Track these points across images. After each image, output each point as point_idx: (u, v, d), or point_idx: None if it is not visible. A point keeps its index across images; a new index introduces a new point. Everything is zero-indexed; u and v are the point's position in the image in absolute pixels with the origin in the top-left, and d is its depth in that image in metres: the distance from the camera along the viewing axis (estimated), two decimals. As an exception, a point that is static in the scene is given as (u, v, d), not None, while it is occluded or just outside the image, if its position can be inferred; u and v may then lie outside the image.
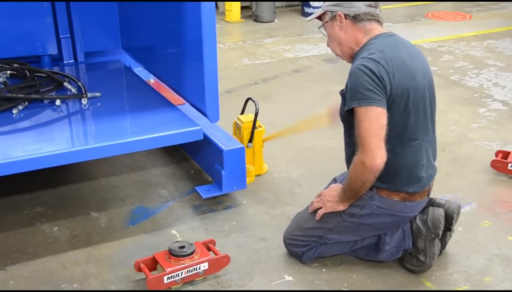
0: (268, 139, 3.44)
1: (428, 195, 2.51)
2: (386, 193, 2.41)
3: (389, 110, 2.27)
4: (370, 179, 2.29)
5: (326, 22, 2.48)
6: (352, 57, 2.47)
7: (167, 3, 2.98)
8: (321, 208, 2.51)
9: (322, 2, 2.53)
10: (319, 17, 2.53)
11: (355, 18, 2.40)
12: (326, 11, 2.47)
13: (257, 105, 3.23)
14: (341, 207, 2.46)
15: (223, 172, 2.94)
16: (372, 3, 2.41)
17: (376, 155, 2.23)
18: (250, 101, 3.32)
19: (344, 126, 2.51)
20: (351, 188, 2.37)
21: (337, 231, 2.52)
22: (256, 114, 3.23)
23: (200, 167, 3.41)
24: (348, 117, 2.36)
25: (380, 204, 2.42)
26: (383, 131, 2.24)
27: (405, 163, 2.37)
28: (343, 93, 2.42)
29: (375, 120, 2.23)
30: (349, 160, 2.48)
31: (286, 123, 4.14)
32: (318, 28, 2.57)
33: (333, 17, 2.44)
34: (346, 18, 2.41)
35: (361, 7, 2.39)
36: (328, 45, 2.56)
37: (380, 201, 2.42)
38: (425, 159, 2.42)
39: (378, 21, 2.43)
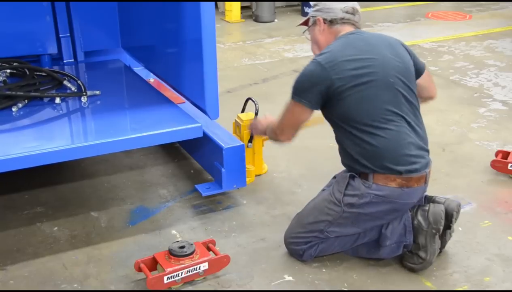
0: (267, 139, 3.44)
1: (425, 182, 2.51)
2: (383, 180, 2.43)
3: (344, 101, 2.41)
4: (277, 141, 2.76)
5: (309, 26, 2.68)
6: None
7: (166, 3, 2.98)
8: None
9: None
10: (307, 23, 2.71)
11: (331, 22, 2.58)
12: (310, 16, 2.67)
13: (257, 105, 3.23)
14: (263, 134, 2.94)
15: (223, 170, 2.94)
16: (350, 9, 2.58)
17: (286, 138, 2.66)
18: (250, 101, 3.32)
19: (333, 130, 2.60)
20: (268, 133, 2.80)
21: (338, 224, 2.53)
22: (256, 114, 3.23)
23: (200, 165, 3.41)
24: (330, 118, 2.54)
25: (377, 192, 2.44)
26: (298, 125, 2.57)
27: (386, 143, 2.41)
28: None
29: (297, 117, 2.53)
30: (343, 161, 2.58)
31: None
32: (303, 32, 2.74)
33: (314, 22, 2.63)
34: (324, 22, 2.59)
35: (338, 13, 2.58)
36: (311, 49, 2.71)
37: (377, 190, 2.44)
38: (409, 138, 2.44)
39: (353, 24, 2.59)
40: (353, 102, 2.41)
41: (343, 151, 2.56)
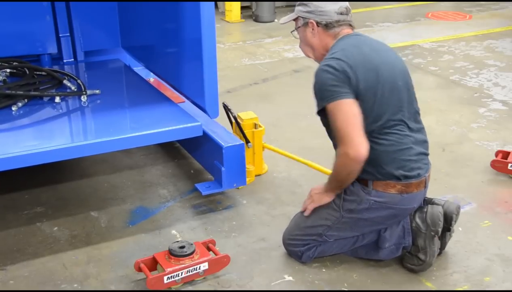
0: (269, 148, 3.44)
1: (425, 186, 2.50)
2: (382, 187, 2.42)
3: (359, 103, 2.33)
4: (356, 169, 2.34)
5: (299, 27, 2.59)
6: None
7: (166, 3, 2.98)
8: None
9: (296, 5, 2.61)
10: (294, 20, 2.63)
11: (327, 26, 2.50)
12: (299, 16, 2.56)
13: (233, 113, 3.23)
14: (327, 198, 2.50)
15: (223, 169, 2.94)
16: (344, 10, 2.50)
17: (359, 143, 2.29)
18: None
19: (327, 131, 2.55)
20: (337, 178, 2.43)
21: (336, 228, 2.52)
22: (235, 118, 3.23)
23: (200, 164, 3.41)
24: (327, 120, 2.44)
25: (377, 198, 2.43)
26: (358, 120, 2.30)
27: (388, 149, 2.39)
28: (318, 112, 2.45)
29: (347, 111, 2.30)
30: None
31: (286, 123, 4.15)
32: (291, 32, 2.67)
33: (306, 24, 2.54)
34: (318, 25, 2.51)
35: (333, 16, 2.48)
36: (300, 47, 2.67)
37: (377, 196, 2.43)
38: (410, 143, 2.43)
39: (350, 25, 2.53)
40: (363, 107, 2.33)
41: None
